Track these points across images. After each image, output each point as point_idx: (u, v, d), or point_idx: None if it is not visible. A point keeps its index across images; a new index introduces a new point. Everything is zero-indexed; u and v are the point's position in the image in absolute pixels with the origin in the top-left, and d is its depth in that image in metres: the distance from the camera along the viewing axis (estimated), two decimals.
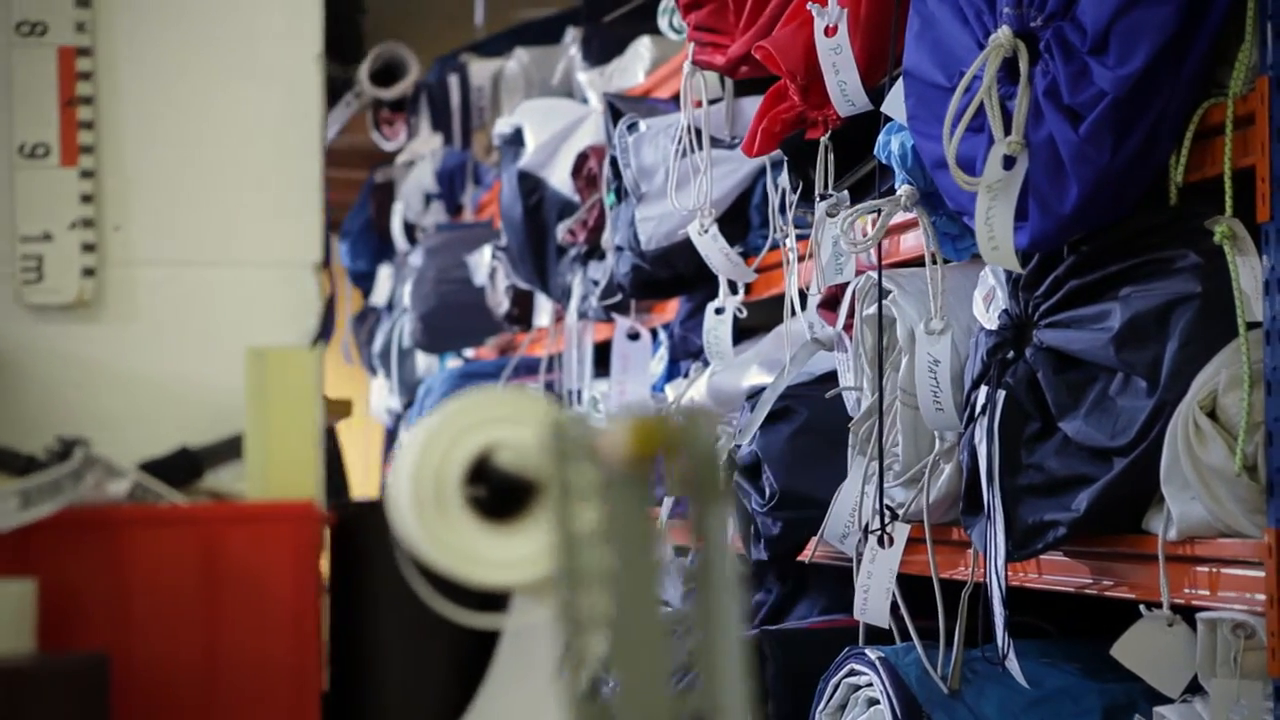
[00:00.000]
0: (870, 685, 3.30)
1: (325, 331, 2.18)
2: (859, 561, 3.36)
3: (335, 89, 7.73)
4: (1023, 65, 2.74)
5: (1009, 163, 2.76)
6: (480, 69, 6.63)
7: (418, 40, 7.80)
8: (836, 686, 3.39)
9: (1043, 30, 2.73)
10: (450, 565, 1.66)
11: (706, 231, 4.03)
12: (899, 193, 3.16)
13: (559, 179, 5.22)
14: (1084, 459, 2.86)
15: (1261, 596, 2.58)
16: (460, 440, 1.67)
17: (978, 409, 3.03)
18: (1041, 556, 3.10)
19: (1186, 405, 2.66)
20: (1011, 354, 3.00)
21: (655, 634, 1.15)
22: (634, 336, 4.87)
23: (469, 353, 6.85)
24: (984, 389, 3.02)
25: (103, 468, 1.85)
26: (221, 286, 2.14)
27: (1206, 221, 2.67)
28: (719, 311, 4.20)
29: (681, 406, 1.31)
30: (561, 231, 5.07)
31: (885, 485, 3.39)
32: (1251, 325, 2.63)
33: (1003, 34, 2.75)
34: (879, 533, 3.29)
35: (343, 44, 2.19)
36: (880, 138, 3.22)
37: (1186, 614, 2.74)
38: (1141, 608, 2.79)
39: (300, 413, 1.95)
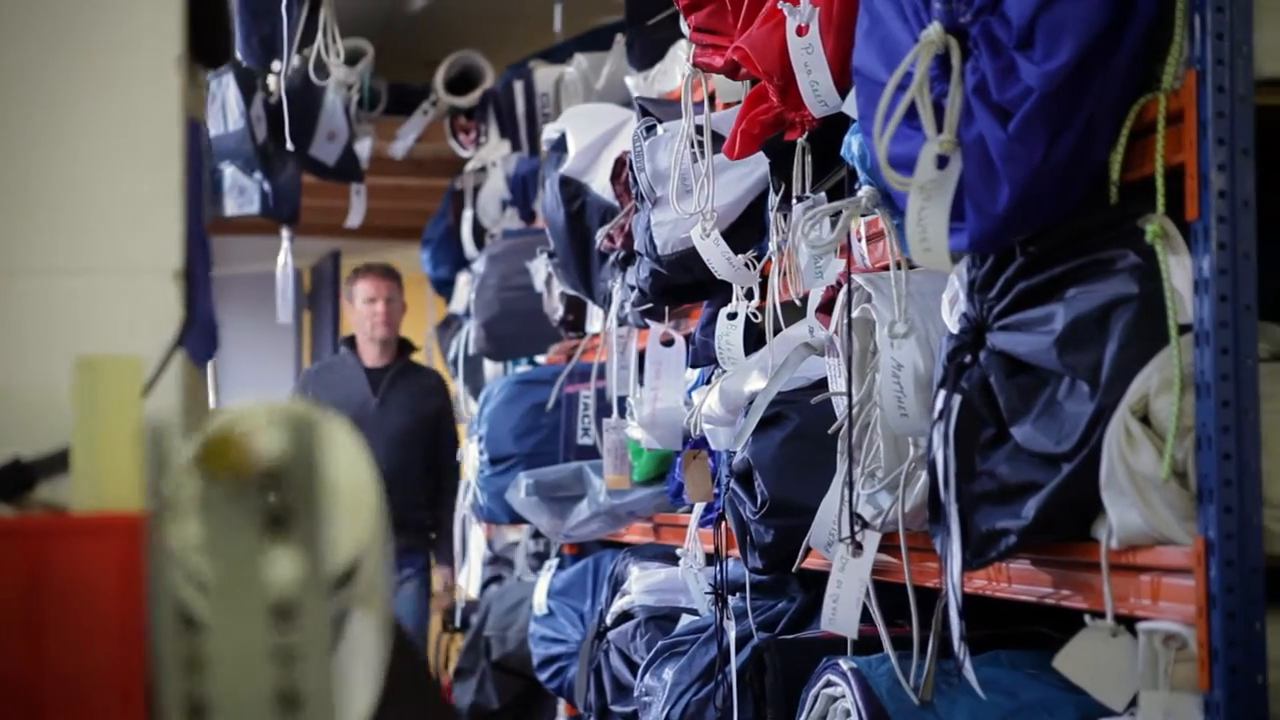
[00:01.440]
0: (844, 696, 3.24)
1: (191, 340, 2.15)
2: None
3: (413, 97, 7.76)
4: (955, 62, 2.68)
5: (943, 162, 2.69)
6: (545, 75, 6.61)
7: (502, 47, 7.81)
8: (816, 698, 3.34)
9: (972, 25, 2.66)
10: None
11: (709, 236, 3.98)
12: (859, 194, 3.10)
13: (600, 184, 5.18)
14: (1034, 465, 2.79)
15: (1192, 607, 2.51)
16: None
17: (935, 414, 2.97)
18: (1010, 565, 3.03)
19: (1120, 409, 2.58)
20: (969, 358, 2.93)
21: (255, 646, 1.12)
22: (668, 343, 4.82)
23: (541, 359, 6.83)
24: (941, 393, 2.96)
25: None
26: (79, 294, 2.12)
27: (1139, 220, 2.59)
28: (732, 317, 4.15)
29: (284, 413, 1.27)
30: (600, 237, 5.04)
31: (868, 492, 3.32)
32: (1185, 327, 2.55)
33: (933, 30, 2.69)
34: (848, 541, 3.22)
35: (213, 48, 2.15)
36: (846, 138, 3.16)
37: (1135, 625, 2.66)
38: (1087, 618, 2.71)
39: (128, 423, 1.92)
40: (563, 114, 5.64)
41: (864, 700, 3.18)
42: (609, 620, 5.01)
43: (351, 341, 7.63)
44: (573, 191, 5.25)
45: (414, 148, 7.86)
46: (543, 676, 5.85)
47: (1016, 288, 2.83)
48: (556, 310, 5.98)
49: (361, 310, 7.49)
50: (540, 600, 5.87)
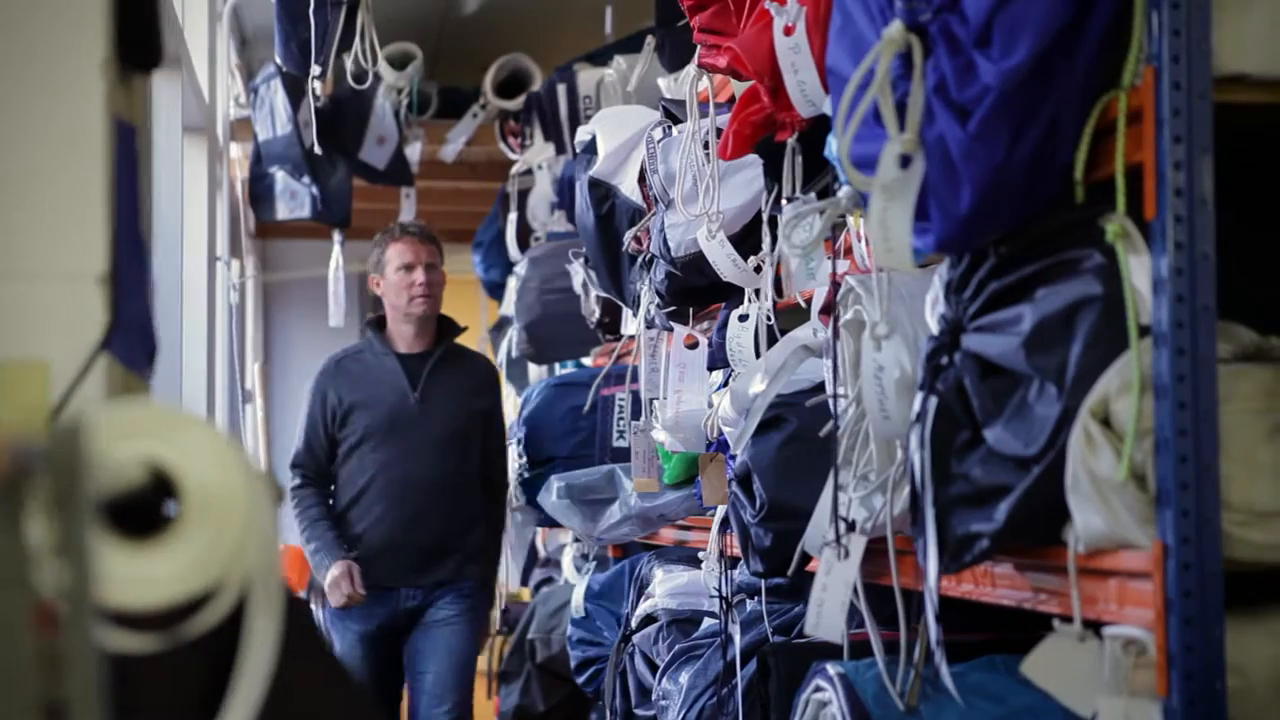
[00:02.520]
0: (832, 702, 3.21)
1: (121, 344, 2.16)
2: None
3: (464, 101, 7.77)
4: (916, 60, 2.65)
5: (906, 162, 2.66)
6: (587, 78, 6.61)
7: (556, 50, 7.81)
8: (807, 703, 3.31)
9: (931, 24, 2.63)
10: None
11: (714, 237, 3.96)
12: (839, 194, 3.07)
13: (629, 186, 5.16)
14: (1006, 468, 2.76)
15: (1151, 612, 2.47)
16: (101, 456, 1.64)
17: (913, 416, 2.94)
18: (995, 569, 3.00)
19: (1081, 412, 2.55)
20: (946, 360, 2.90)
21: (18, 652, 1.11)
22: (692, 346, 4.80)
23: (587, 361, 6.83)
24: (919, 395, 2.93)
25: None
26: (1, 299, 2.13)
27: (1100, 220, 2.56)
28: (743, 319, 4.12)
29: (60, 421, 1.26)
30: (628, 239, 5.02)
31: (860, 495, 3.29)
32: (1147, 328, 2.51)
33: (895, 28, 2.66)
34: (834, 544, 3.19)
35: (145, 51, 2.14)
36: (828, 138, 3.14)
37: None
38: (1055, 623, 2.68)
39: (32, 428, 1.92)
40: (594, 116, 5.62)
41: (849, 705, 3.15)
42: (634, 624, 5.00)
43: (380, 323, 6.05)
44: (602, 194, 5.23)
45: (467, 151, 7.87)
46: (580, 679, 5.84)
47: (988, 288, 2.80)
48: (593, 313, 5.97)
49: (395, 281, 5.92)
50: (578, 603, 5.86)
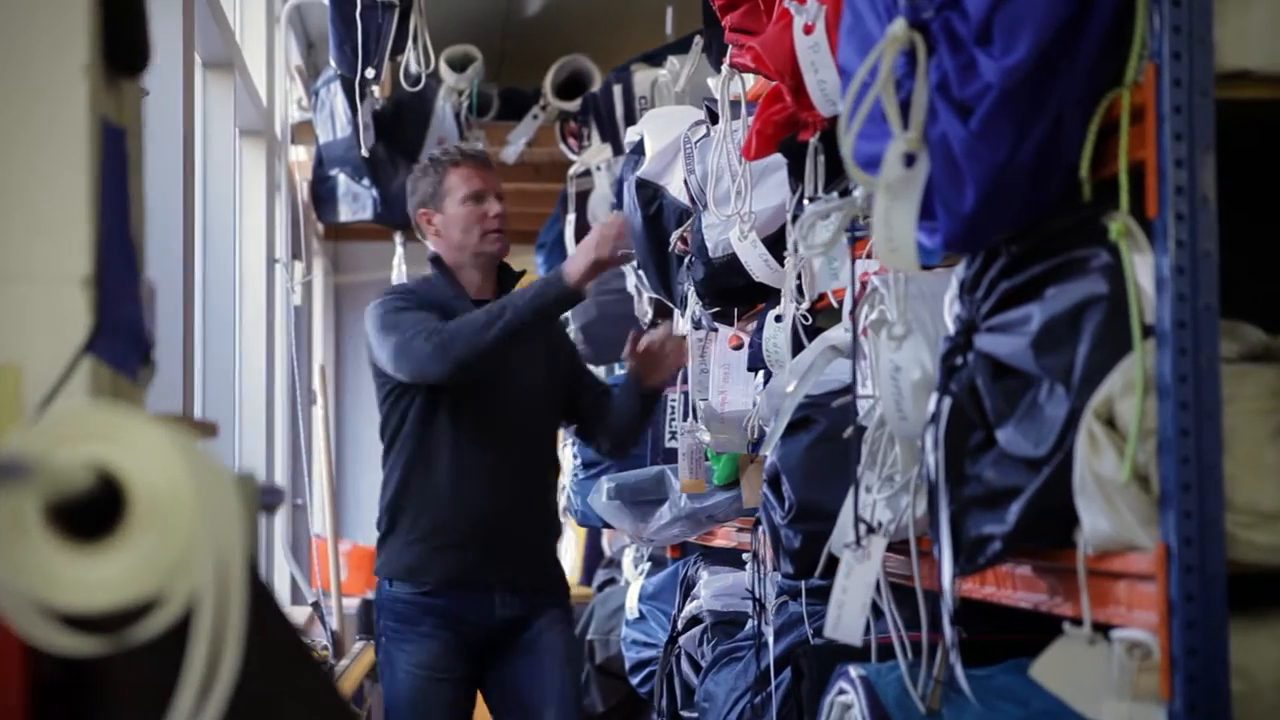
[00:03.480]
0: (854, 704, 3.19)
1: (108, 347, 2.16)
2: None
3: (525, 102, 7.78)
4: (920, 58, 2.63)
5: (911, 160, 2.64)
6: (643, 78, 6.60)
7: (619, 50, 7.80)
8: (831, 705, 3.30)
9: (934, 21, 2.61)
10: (29, 588, 1.64)
11: (745, 238, 3.95)
12: (854, 195, 3.05)
13: (676, 187, 5.15)
14: (1018, 470, 2.74)
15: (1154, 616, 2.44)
16: (45, 457, 1.65)
17: (928, 417, 2.92)
18: (1016, 571, 2.97)
19: (1085, 412, 2.52)
20: (960, 360, 2.88)
21: None
22: (737, 347, 4.79)
23: None
24: (934, 396, 2.91)
25: None
26: None
27: (1104, 218, 2.53)
28: (778, 319, 4.11)
29: None
30: (674, 240, 5.01)
31: (885, 496, 3.27)
32: (1152, 328, 2.48)
33: (898, 26, 2.64)
34: (854, 546, 3.17)
35: (131, 54, 2.15)
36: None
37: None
38: (1066, 625, 2.65)
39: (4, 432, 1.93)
40: (643, 117, 5.61)
41: (870, 707, 3.13)
42: (679, 625, 4.99)
43: (441, 263, 5.05)
44: (649, 194, 5.22)
45: (530, 152, 7.88)
46: (635, 681, 5.84)
47: (999, 288, 2.78)
48: (646, 314, 5.96)
49: (461, 214, 4.98)
50: (632, 604, 5.87)
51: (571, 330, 6.59)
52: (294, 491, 7.53)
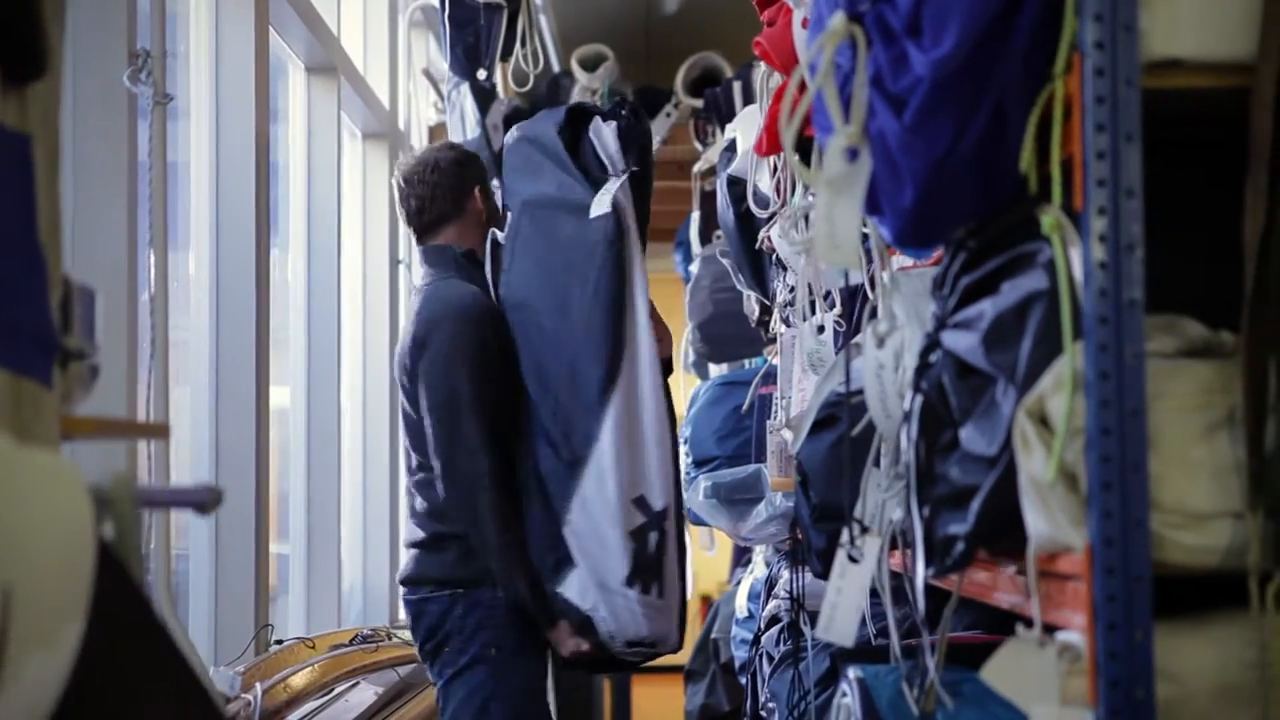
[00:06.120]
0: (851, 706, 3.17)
1: (6, 350, 2.20)
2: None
3: (661, 100, 7.79)
4: (860, 51, 2.59)
5: (854, 155, 2.61)
6: (761, 75, 6.56)
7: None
8: (837, 706, 3.27)
9: (868, 14, 2.57)
10: None
11: (785, 235, 3.92)
12: None
13: (766, 184, 5.13)
14: (978, 468, 2.69)
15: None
16: None
17: (903, 416, 2.89)
18: (1002, 571, 2.93)
19: (1018, 411, 2.48)
20: (932, 358, 2.85)
21: None
22: None
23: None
24: (908, 394, 2.88)
25: None
26: None
27: (1037, 211, 2.48)
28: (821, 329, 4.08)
29: None
30: (761, 236, 4.99)
31: (891, 496, 3.23)
32: None
33: (836, 19, 2.61)
34: (849, 547, 3.14)
35: (25, 59, 2.17)
36: None
37: None
38: (1018, 627, 2.61)
39: None
40: (739, 114, 5.60)
41: (863, 709, 3.10)
42: (762, 624, 4.97)
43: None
44: (740, 192, 5.22)
45: (673, 150, 7.88)
46: (743, 680, 5.82)
47: (961, 283, 2.74)
48: (754, 311, 5.94)
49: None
50: (741, 603, 5.86)
51: (689, 329, 6.59)
52: None
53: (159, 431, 2.57)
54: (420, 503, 4.64)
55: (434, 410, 4.53)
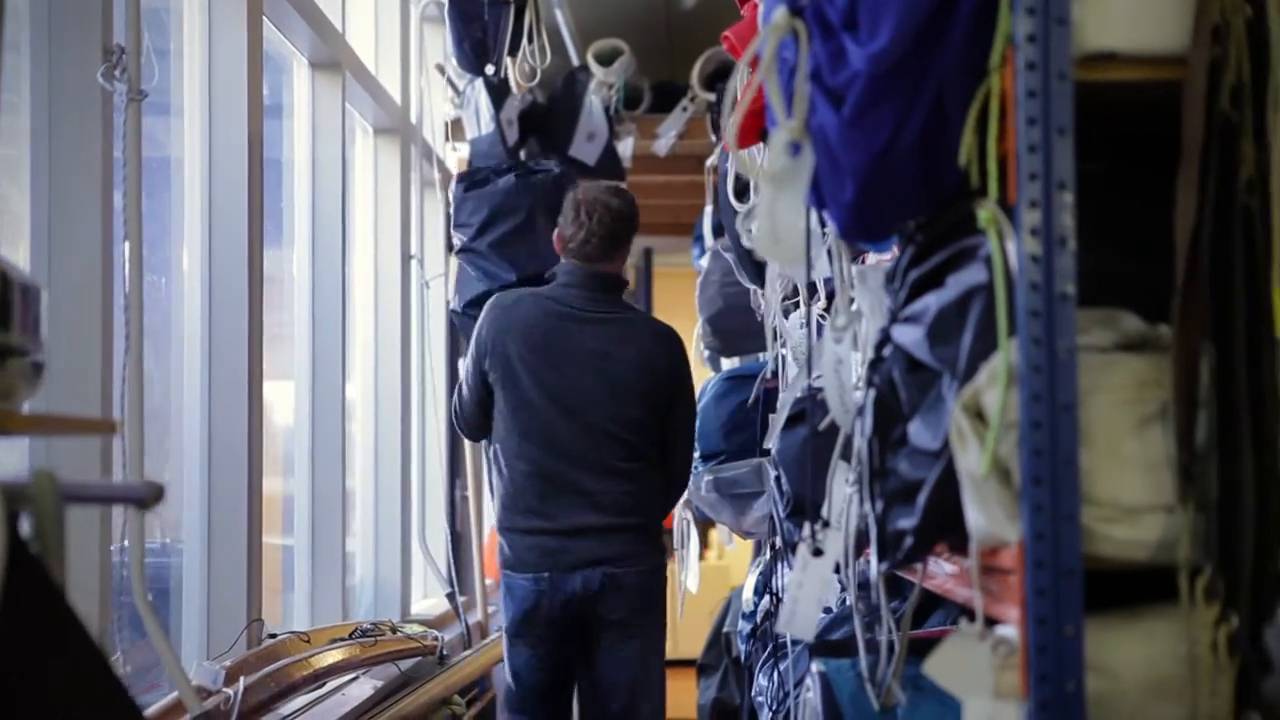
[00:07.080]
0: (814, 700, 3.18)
1: None
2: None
3: (677, 94, 7.78)
4: (802, 46, 2.60)
5: (797, 150, 2.61)
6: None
7: None
8: (803, 701, 3.28)
9: (808, 7, 2.57)
10: None
11: (743, 231, 3.92)
12: None
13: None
14: (925, 463, 2.69)
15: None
16: None
17: (856, 410, 2.89)
18: (964, 565, 2.92)
19: (954, 405, 2.48)
20: (884, 353, 2.85)
21: None
22: None
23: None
24: (860, 389, 2.88)
25: None
26: None
27: (974, 205, 2.48)
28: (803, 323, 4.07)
29: None
30: (741, 231, 4.98)
31: (853, 490, 3.24)
32: None
33: (779, 14, 2.62)
34: (809, 540, 3.14)
35: None
36: None
37: None
38: (961, 621, 2.61)
39: None
40: None
41: (824, 703, 3.11)
42: (758, 618, 4.97)
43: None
44: (741, 187, 5.21)
45: (691, 144, 7.86)
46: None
47: (910, 277, 2.73)
48: (759, 305, 5.93)
49: None
50: (747, 596, 5.85)
51: (700, 323, 6.58)
52: (458, 484, 7.61)
53: (105, 427, 2.59)
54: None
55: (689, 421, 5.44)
